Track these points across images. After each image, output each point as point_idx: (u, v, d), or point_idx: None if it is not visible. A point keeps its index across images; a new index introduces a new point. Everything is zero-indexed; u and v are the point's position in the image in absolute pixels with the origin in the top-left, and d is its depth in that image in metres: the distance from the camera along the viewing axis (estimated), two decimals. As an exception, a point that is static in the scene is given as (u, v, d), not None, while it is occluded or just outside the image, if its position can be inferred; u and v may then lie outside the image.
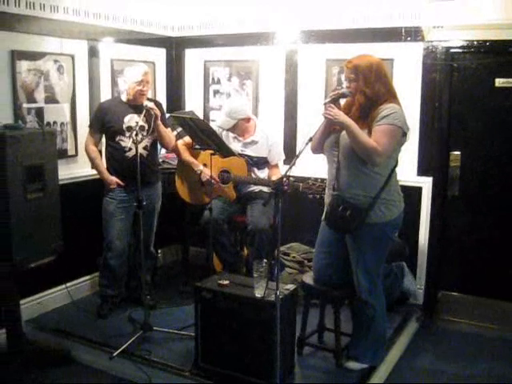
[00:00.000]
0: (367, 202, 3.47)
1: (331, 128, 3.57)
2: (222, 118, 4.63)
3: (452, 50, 4.59)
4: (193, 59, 5.78)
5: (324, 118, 3.44)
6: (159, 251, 5.58)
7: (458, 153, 4.77)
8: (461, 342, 4.54)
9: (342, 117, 3.36)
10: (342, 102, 3.61)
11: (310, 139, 3.31)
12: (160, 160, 5.11)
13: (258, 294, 3.47)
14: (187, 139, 4.68)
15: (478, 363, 4.21)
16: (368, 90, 3.41)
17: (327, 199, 3.69)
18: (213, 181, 4.61)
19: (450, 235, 4.88)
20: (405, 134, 3.48)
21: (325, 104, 3.42)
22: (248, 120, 4.66)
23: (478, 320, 4.79)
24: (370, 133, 3.38)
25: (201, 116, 5.65)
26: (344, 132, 3.44)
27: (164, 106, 5.39)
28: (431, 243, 4.84)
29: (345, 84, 3.55)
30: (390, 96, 3.47)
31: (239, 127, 4.62)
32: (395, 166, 3.56)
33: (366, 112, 3.43)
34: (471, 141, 4.75)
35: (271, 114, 5.36)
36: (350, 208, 3.46)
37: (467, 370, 4.12)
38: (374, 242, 3.58)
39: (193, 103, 5.80)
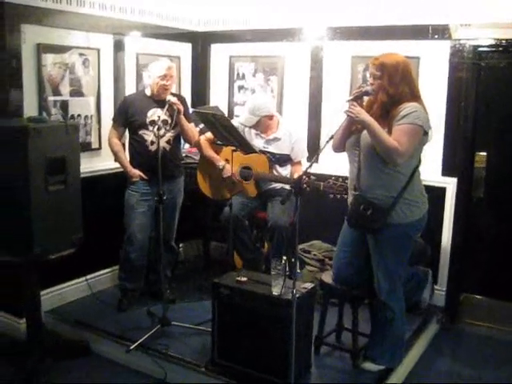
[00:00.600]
0: (389, 201, 3.42)
1: (353, 127, 3.54)
2: (244, 115, 4.62)
3: (479, 49, 4.51)
4: (218, 54, 5.78)
5: (346, 115, 3.40)
6: (181, 245, 5.59)
7: (484, 153, 4.69)
8: (481, 346, 4.49)
9: (364, 115, 3.31)
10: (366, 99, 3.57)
11: (331, 137, 3.28)
12: (183, 155, 5.13)
13: (275, 291, 3.46)
14: (209, 135, 4.67)
15: (499, 367, 4.15)
16: (391, 89, 3.35)
17: (349, 199, 3.66)
18: (233, 178, 4.60)
19: (473, 237, 4.81)
20: (426, 133, 3.41)
21: (347, 101, 3.38)
22: (271, 117, 4.64)
23: (500, 324, 4.72)
24: (390, 132, 3.33)
25: (225, 111, 5.65)
26: (365, 131, 3.40)
27: (189, 101, 5.42)
28: (454, 245, 4.77)
29: (369, 81, 3.49)
30: (413, 96, 3.41)
31: (262, 124, 4.61)
32: (418, 165, 3.51)
33: (387, 111, 3.38)
34: (498, 141, 4.67)
35: (295, 111, 5.33)
36: (371, 207, 3.42)
37: (486, 375, 4.06)
38: (396, 243, 3.53)
39: (217, 98, 5.79)
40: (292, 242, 3.32)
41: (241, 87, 5.65)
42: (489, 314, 4.79)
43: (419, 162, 3.52)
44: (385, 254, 3.55)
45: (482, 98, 4.63)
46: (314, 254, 4.91)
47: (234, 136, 3.86)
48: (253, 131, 4.68)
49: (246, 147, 3.92)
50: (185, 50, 5.71)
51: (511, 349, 4.43)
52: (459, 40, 4.54)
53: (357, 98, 3.40)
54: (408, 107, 3.33)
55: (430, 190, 4.66)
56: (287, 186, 4.61)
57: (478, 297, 4.91)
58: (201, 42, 5.79)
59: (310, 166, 3.15)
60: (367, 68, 4.61)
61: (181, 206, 4.76)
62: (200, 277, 5.17)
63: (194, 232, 5.70)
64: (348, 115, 3.35)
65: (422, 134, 3.38)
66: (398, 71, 3.35)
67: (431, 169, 4.71)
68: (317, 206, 4.88)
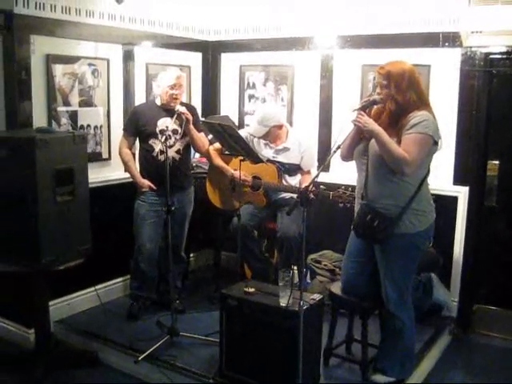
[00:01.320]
0: (396, 211, 3.38)
1: (361, 136, 3.51)
2: (254, 126, 4.60)
3: (491, 56, 4.46)
4: (228, 63, 5.77)
5: (354, 125, 3.38)
6: (191, 255, 5.58)
7: (497, 162, 4.62)
8: (494, 357, 4.41)
9: (372, 125, 3.28)
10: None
11: (338, 147, 3.25)
12: (193, 164, 5.12)
13: (283, 303, 3.43)
14: (218, 145, 4.67)
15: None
16: (399, 98, 3.32)
17: (356, 208, 3.63)
18: (245, 182, 4.58)
19: (486, 247, 4.73)
20: (436, 143, 3.37)
21: (355, 111, 3.35)
22: (280, 127, 4.62)
23: (514, 335, 4.65)
24: (399, 141, 3.30)
25: (235, 121, 5.64)
26: (373, 140, 3.36)
27: (199, 110, 5.42)
28: (466, 254, 4.70)
29: (376, 90, 3.46)
30: (422, 104, 3.37)
31: (271, 134, 4.59)
32: (426, 175, 3.46)
33: (396, 120, 3.35)
34: (510, 149, 4.60)
35: (306, 120, 5.30)
36: (378, 218, 3.38)
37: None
38: (403, 253, 3.49)
39: (228, 108, 5.79)
40: (300, 252, 3.30)
41: (251, 96, 5.64)
42: (502, 325, 4.72)
43: (428, 171, 3.47)
44: (392, 265, 3.51)
45: (493, 105, 4.57)
46: (325, 264, 4.87)
47: (241, 146, 3.85)
48: (262, 141, 4.67)
49: (253, 157, 3.91)
50: (195, 60, 5.70)
51: (525, 361, 4.36)
52: (470, 47, 4.50)
53: (364, 108, 3.37)
54: (418, 116, 3.30)
55: (442, 199, 4.66)
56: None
57: (491, 307, 4.83)
58: (211, 52, 5.79)
59: (317, 175, 3.13)
60: (378, 76, 4.59)
61: (191, 216, 4.75)
62: (210, 287, 5.15)
63: (205, 242, 5.70)
64: (355, 125, 3.32)
65: (431, 144, 3.34)
66: (405, 79, 3.32)
67: (443, 178, 4.68)
68: (327, 215, 4.86)
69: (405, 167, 3.26)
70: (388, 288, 3.55)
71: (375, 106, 3.49)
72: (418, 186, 3.40)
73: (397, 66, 3.38)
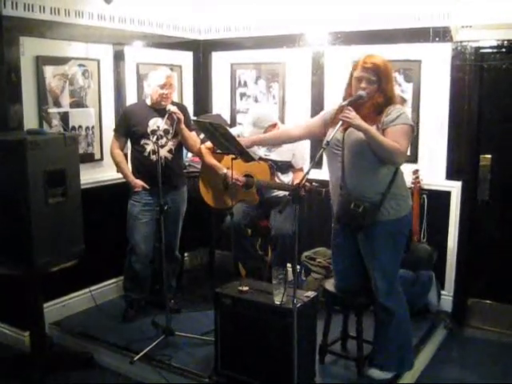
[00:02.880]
0: (378, 198, 3.43)
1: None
2: (249, 129, 4.59)
3: (482, 51, 4.46)
4: (219, 62, 5.76)
5: (341, 121, 3.37)
6: (186, 255, 5.57)
7: (489, 156, 4.63)
8: (490, 351, 4.43)
9: (359, 120, 3.29)
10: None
11: (328, 143, 3.24)
12: (186, 164, 5.11)
13: (277, 300, 3.43)
14: (209, 144, 4.66)
15: (508, 373, 4.09)
16: (389, 90, 3.42)
17: (334, 199, 3.62)
18: (238, 182, 4.58)
19: (479, 241, 4.74)
20: (413, 131, 3.49)
21: (342, 106, 3.35)
22: (275, 125, 4.61)
23: (509, 328, 4.65)
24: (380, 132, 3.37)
25: (227, 119, 5.64)
26: (349, 131, 3.41)
27: (191, 110, 5.41)
28: (460, 249, 4.71)
29: (361, 85, 3.42)
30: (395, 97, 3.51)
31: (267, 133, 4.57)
32: None
33: (379, 112, 3.41)
34: (502, 143, 4.60)
35: (298, 117, 5.29)
36: (361, 204, 3.41)
37: (495, 380, 3.99)
38: (388, 241, 3.51)
39: (220, 106, 5.78)
40: (293, 249, 3.31)
41: (243, 94, 5.63)
42: (497, 319, 4.72)
43: None
44: (379, 254, 3.53)
45: (485, 99, 4.57)
46: (319, 261, 4.87)
47: (232, 144, 3.84)
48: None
49: (245, 155, 3.90)
50: (186, 59, 5.69)
51: (520, 354, 4.37)
52: (461, 42, 4.50)
53: (351, 103, 3.37)
54: (396, 109, 3.40)
55: (435, 194, 4.70)
56: (289, 194, 4.58)
57: (486, 301, 4.84)
58: (202, 50, 5.78)
59: (308, 171, 3.12)
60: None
61: (184, 215, 4.74)
62: (205, 286, 5.14)
63: (199, 241, 5.69)
64: (343, 120, 3.31)
65: (412, 133, 3.45)
66: (389, 71, 3.43)
67: (436, 173, 4.70)
68: (321, 212, 4.85)
69: (399, 158, 3.33)
70: (377, 278, 3.57)
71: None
72: (395, 172, 3.46)
73: (380, 60, 3.43)
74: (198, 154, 4.78)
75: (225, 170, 4.67)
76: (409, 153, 4.64)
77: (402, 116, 3.36)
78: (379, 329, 3.72)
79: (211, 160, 4.75)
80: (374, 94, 3.39)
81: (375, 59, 3.41)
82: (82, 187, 4.00)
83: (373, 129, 3.29)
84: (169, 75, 4.42)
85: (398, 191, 3.48)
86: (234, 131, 4.53)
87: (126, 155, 4.63)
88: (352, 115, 3.27)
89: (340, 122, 3.29)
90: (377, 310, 3.70)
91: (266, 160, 4.61)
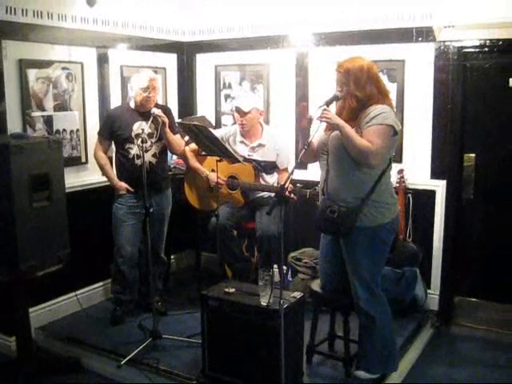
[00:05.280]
0: (356, 204, 3.39)
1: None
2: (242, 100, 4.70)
3: (464, 50, 4.49)
4: (204, 64, 5.75)
5: (320, 121, 3.37)
6: (172, 257, 5.56)
7: (473, 155, 4.66)
8: (477, 349, 4.45)
9: (336, 119, 3.30)
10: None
11: (308, 144, 3.25)
12: (171, 166, 5.11)
13: (263, 302, 3.43)
14: (194, 145, 4.66)
15: (495, 370, 4.11)
16: (360, 93, 3.37)
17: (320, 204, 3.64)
18: (219, 185, 4.58)
19: (465, 239, 4.79)
20: (396, 133, 3.39)
21: (320, 107, 3.35)
22: (260, 113, 4.65)
23: (496, 326, 4.67)
24: (360, 135, 3.33)
25: (212, 121, 5.63)
26: (332, 135, 3.41)
27: (175, 112, 5.41)
28: (446, 247, 4.74)
29: (338, 87, 3.46)
30: (382, 96, 3.43)
31: (252, 119, 4.59)
32: (387, 168, 3.47)
33: (356, 114, 3.39)
34: (486, 142, 4.64)
35: (283, 118, 5.31)
36: (337, 210, 3.39)
37: (483, 378, 4.01)
38: (368, 248, 3.48)
39: (204, 108, 5.77)
40: (279, 250, 3.31)
41: (227, 96, 5.63)
42: (483, 317, 4.76)
43: (388, 164, 3.49)
44: (358, 260, 3.51)
45: (468, 99, 4.61)
46: (306, 262, 4.88)
47: (217, 146, 3.84)
48: (237, 139, 4.67)
49: (230, 157, 3.91)
50: (170, 61, 5.68)
51: (507, 351, 4.38)
52: (444, 42, 4.53)
53: (328, 103, 3.38)
54: (376, 109, 3.35)
55: (420, 193, 4.72)
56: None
57: (472, 299, 4.88)
58: (186, 53, 5.77)
59: (292, 173, 3.13)
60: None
61: (170, 217, 4.73)
62: (191, 288, 5.12)
63: (185, 243, 5.68)
64: (322, 121, 3.32)
65: (392, 134, 3.37)
66: (363, 74, 3.37)
67: (420, 172, 4.73)
68: (306, 213, 4.86)
69: (370, 158, 3.28)
70: (356, 285, 3.55)
71: (336, 103, 3.49)
72: (378, 178, 3.41)
73: (355, 63, 3.41)
74: (182, 156, 4.76)
75: (207, 173, 4.67)
76: (393, 153, 4.70)
77: (378, 116, 3.32)
78: (362, 333, 3.72)
79: (195, 163, 4.75)
80: (348, 97, 3.39)
81: (348, 63, 3.41)
82: (67, 191, 3.97)
83: (348, 127, 3.28)
84: (152, 78, 4.40)
85: (380, 198, 3.43)
86: (218, 133, 4.55)
87: (110, 158, 4.61)
88: (330, 115, 3.29)
89: (319, 123, 3.30)
90: (358, 315, 3.69)
91: (249, 161, 4.60)
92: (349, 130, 3.28)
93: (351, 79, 3.36)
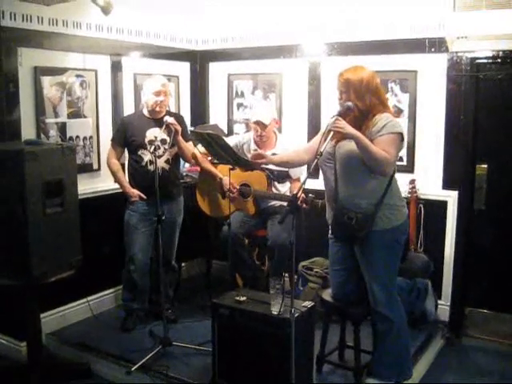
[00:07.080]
0: (371, 209, 3.44)
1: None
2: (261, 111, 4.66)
3: (477, 61, 4.50)
4: (217, 72, 5.80)
5: (332, 131, 3.38)
6: (183, 265, 5.57)
7: (485, 165, 4.65)
8: (488, 361, 4.41)
9: (350, 129, 3.31)
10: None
11: (321, 154, 3.26)
12: (183, 174, 5.12)
13: (274, 311, 3.43)
14: (202, 149, 4.63)
15: (506, 382, 4.08)
16: (359, 103, 3.41)
17: (329, 213, 3.66)
18: (233, 190, 4.59)
19: (476, 250, 4.76)
20: (403, 139, 3.49)
21: (332, 118, 3.36)
22: (277, 122, 4.69)
23: (506, 338, 4.64)
24: None
25: (225, 129, 5.65)
26: (339, 145, 3.46)
27: (188, 120, 5.43)
28: (457, 258, 4.72)
29: (342, 98, 3.48)
30: (383, 106, 3.48)
31: (270, 131, 4.60)
32: (394, 171, 3.53)
33: (359, 124, 3.41)
34: (498, 153, 4.64)
35: (295, 127, 5.32)
36: (354, 217, 3.43)
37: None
38: (384, 250, 3.53)
39: (217, 116, 5.81)
40: (290, 259, 3.31)
41: (240, 105, 5.66)
42: (494, 328, 4.73)
43: (394, 168, 3.54)
44: (375, 264, 3.54)
45: (481, 110, 4.61)
46: (316, 271, 4.88)
47: (230, 155, 3.85)
48: (252, 147, 4.67)
49: (243, 165, 3.91)
50: (183, 69, 5.72)
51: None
52: (456, 52, 4.54)
53: (341, 114, 3.39)
54: (383, 118, 3.41)
55: (432, 203, 4.71)
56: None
57: (484, 311, 4.86)
58: (199, 61, 5.81)
59: (304, 182, 3.14)
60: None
61: (181, 225, 4.74)
62: (202, 296, 5.14)
63: (196, 251, 5.68)
64: (335, 131, 3.33)
65: (400, 140, 3.46)
66: (363, 85, 3.40)
67: (432, 183, 4.73)
68: (317, 222, 4.84)
69: (387, 167, 3.35)
70: (374, 289, 3.57)
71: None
72: (388, 182, 3.47)
73: (355, 73, 3.45)
74: (194, 158, 4.73)
75: (221, 176, 4.68)
76: (405, 162, 4.71)
77: (388, 125, 3.37)
78: (378, 339, 3.72)
79: (208, 165, 4.74)
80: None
81: (349, 74, 3.45)
82: (80, 197, 3.99)
83: (363, 137, 3.30)
84: (163, 83, 4.44)
85: (391, 201, 3.50)
86: (232, 141, 4.56)
87: (122, 165, 4.63)
88: (342, 124, 3.30)
89: (331, 133, 3.31)
90: (375, 320, 3.69)
91: (262, 169, 4.61)
92: (365, 140, 3.30)
93: (351, 90, 3.41)
